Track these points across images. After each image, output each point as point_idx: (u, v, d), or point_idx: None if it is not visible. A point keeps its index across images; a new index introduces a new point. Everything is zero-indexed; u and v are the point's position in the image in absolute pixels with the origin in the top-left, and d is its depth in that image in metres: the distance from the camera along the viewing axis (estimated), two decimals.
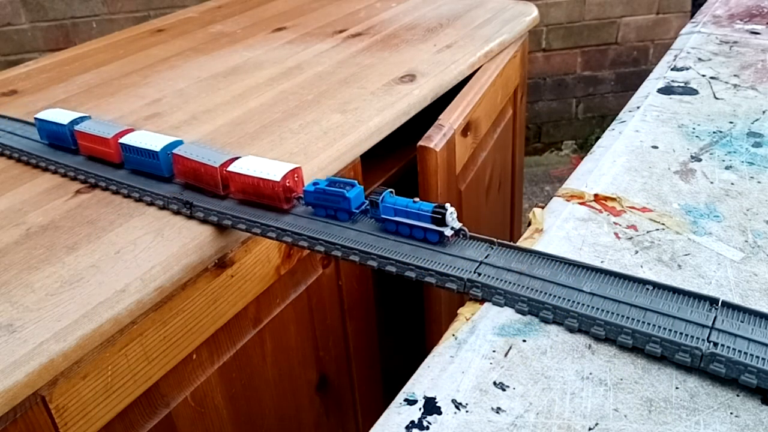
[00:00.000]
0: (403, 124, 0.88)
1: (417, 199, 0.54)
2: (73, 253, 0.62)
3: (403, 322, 1.16)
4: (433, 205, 0.53)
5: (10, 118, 0.89)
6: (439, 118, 0.91)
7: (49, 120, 0.77)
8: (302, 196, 0.60)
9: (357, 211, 0.57)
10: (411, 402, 0.42)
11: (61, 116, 0.76)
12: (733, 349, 0.41)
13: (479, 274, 0.50)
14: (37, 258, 0.61)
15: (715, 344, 0.42)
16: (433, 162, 0.86)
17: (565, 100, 2.48)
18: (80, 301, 0.56)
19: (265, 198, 0.61)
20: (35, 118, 0.78)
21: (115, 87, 0.99)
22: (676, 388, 0.42)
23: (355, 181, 0.57)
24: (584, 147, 2.55)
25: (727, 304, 0.44)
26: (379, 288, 0.96)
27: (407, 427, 0.40)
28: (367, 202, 0.56)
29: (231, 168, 0.62)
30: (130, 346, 0.58)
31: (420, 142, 0.86)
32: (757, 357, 0.41)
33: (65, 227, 0.66)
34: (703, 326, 0.43)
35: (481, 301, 0.49)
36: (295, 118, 0.86)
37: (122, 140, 0.70)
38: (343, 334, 0.89)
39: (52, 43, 2.00)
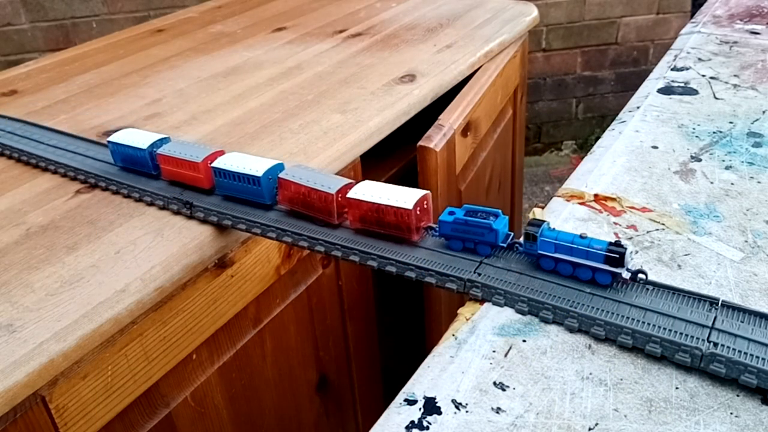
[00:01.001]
0: (403, 124, 0.88)
1: (585, 234, 0.47)
2: (73, 253, 0.62)
3: (403, 322, 1.16)
4: (607, 242, 0.46)
5: (10, 118, 0.89)
6: (439, 118, 0.91)
7: (125, 143, 0.70)
8: (433, 226, 0.53)
9: (503, 244, 0.51)
10: (411, 402, 0.42)
11: (139, 138, 0.69)
12: (733, 349, 0.41)
13: (479, 274, 0.50)
14: (37, 258, 0.61)
15: (715, 344, 0.42)
16: (433, 162, 0.86)
17: (565, 100, 2.48)
18: (80, 301, 0.56)
19: (391, 228, 0.54)
20: (108, 141, 0.71)
21: (115, 87, 0.99)
22: (676, 388, 0.42)
23: (499, 211, 0.51)
24: (584, 147, 2.55)
25: (727, 305, 0.44)
26: (379, 288, 0.96)
27: (407, 427, 0.40)
28: (512, 234, 0.51)
29: (351, 194, 0.55)
30: (130, 346, 0.58)
31: (420, 142, 0.86)
32: (757, 357, 0.41)
33: (65, 227, 0.66)
34: (703, 326, 0.43)
35: (481, 301, 0.49)
36: (295, 118, 0.86)
37: (215, 164, 0.63)
38: (343, 334, 0.89)
39: (52, 43, 2.00)
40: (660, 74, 0.88)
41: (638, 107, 0.79)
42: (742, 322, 0.43)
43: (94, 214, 0.68)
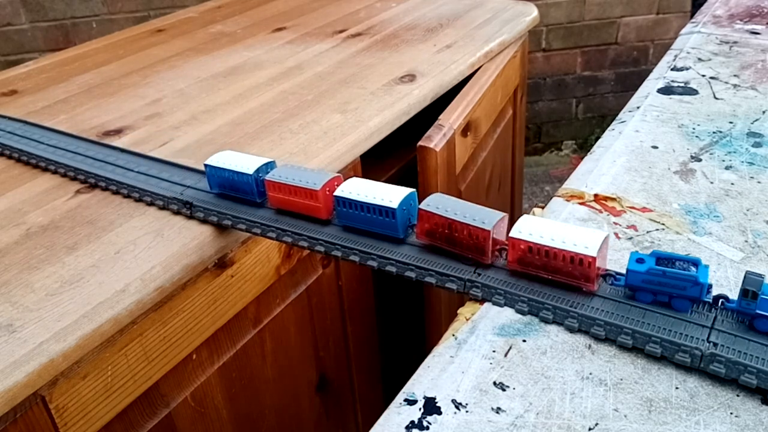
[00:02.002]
0: (403, 124, 0.88)
1: None
2: (73, 253, 0.62)
3: (403, 322, 1.16)
4: None
5: (10, 118, 0.89)
6: (439, 118, 0.91)
7: (227, 167, 0.62)
8: (612, 273, 0.48)
9: (707, 299, 0.45)
10: (411, 402, 0.42)
11: (242, 162, 0.62)
12: (733, 350, 0.41)
13: (479, 274, 0.50)
14: (37, 258, 0.61)
15: (715, 344, 0.42)
16: (433, 162, 0.86)
17: (565, 100, 2.48)
18: (80, 301, 0.56)
19: (564, 275, 0.47)
20: (205, 165, 0.64)
21: (115, 87, 0.99)
22: (676, 388, 0.42)
23: (699, 258, 0.45)
24: (584, 147, 2.55)
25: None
26: (379, 288, 0.96)
27: (407, 427, 0.40)
28: (711, 285, 0.45)
29: (513, 233, 0.48)
30: (130, 346, 0.58)
31: (420, 142, 0.86)
32: (757, 357, 0.41)
33: (65, 227, 0.66)
34: (703, 326, 0.43)
35: (481, 301, 0.49)
36: (295, 118, 0.86)
37: (338, 193, 0.56)
38: (343, 334, 0.89)
39: (52, 43, 2.00)
40: (660, 74, 0.88)
41: (638, 107, 0.79)
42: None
43: (94, 214, 0.68)
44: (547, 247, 0.47)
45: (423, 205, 0.52)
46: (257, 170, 0.61)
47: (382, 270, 0.53)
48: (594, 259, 0.45)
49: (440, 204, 0.52)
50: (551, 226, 0.48)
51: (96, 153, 0.77)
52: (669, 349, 0.43)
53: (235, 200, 0.63)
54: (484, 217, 0.50)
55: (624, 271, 0.46)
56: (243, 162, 0.62)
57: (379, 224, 0.55)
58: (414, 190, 0.56)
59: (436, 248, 0.53)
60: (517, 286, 0.48)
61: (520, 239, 0.48)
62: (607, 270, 0.48)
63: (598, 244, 0.46)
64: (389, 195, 0.54)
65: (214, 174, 0.64)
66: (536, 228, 0.48)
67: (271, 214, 0.61)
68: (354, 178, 0.58)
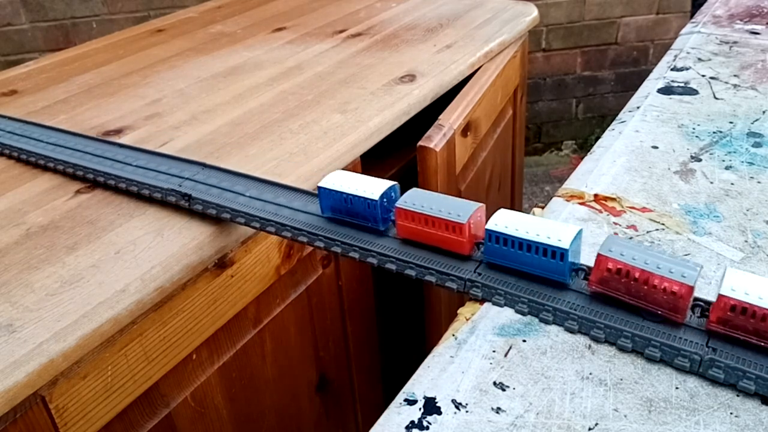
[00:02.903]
0: (403, 124, 0.88)
1: None
2: (73, 253, 0.62)
3: (403, 322, 1.16)
4: None
5: (10, 118, 0.89)
6: (439, 118, 0.91)
7: (347, 191, 0.55)
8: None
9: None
10: (411, 402, 0.42)
11: (361, 184, 0.55)
12: (732, 355, 0.41)
13: (479, 274, 0.50)
14: (37, 258, 0.61)
15: (714, 350, 0.42)
16: (433, 162, 0.86)
17: (565, 100, 2.48)
18: (80, 301, 0.56)
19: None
20: (319, 187, 0.57)
21: (115, 87, 0.99)
22: (676, 388, 0.42)
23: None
24: (584, 147, 2.55)
25: None
26: (379, 288, 0.96)
27: (407, 427, 0.40)
28: None
29: (731, 293, 0.42)
30: (130, 346, 0.58)
31: (420, 142, 0.86)
32: (756, 363, 0.41)
33: (65, 227, 0.66)
34: (702, 331, 0.43)
35: (481, 301, 0.49)
36: (295, 118, 0.86)
37: (492, 227, 0.49)
38: (343, 334, 0.89)
39: (52, 43, 2.00)
40: (660, 74, 0.88)
41: (638, 107, 0.79)
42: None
43: (94, 214, 0.68)
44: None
45: (603, 252, 0.45)
46: (384, 195, 0.54)
47: (381, 267, 0.53)
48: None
49: (623, 249, 0.45)
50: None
51: (95, 149, 0.76)
52: (668, 353, 0.43)
53: (352, 226, 0.56)
54: (680, 269, 0.43)
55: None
56: (363, 185, 0.55)
57: (542, 266, 0.48)
58: (581, 228, 0.48)
59: (609, 298, 0.46)
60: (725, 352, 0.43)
61: (736, 300, 0.42)
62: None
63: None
64: (556, 232, 0.47)
65: (329, 197, 0.57)
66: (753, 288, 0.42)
67: (396, 244, 0.54)
68: (504, 211, 0.50)
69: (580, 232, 0.48)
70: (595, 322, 0.45)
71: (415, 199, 0.52)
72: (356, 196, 0.55)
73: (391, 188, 0.55)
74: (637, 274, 0.44)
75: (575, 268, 0.48)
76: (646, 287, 0.44)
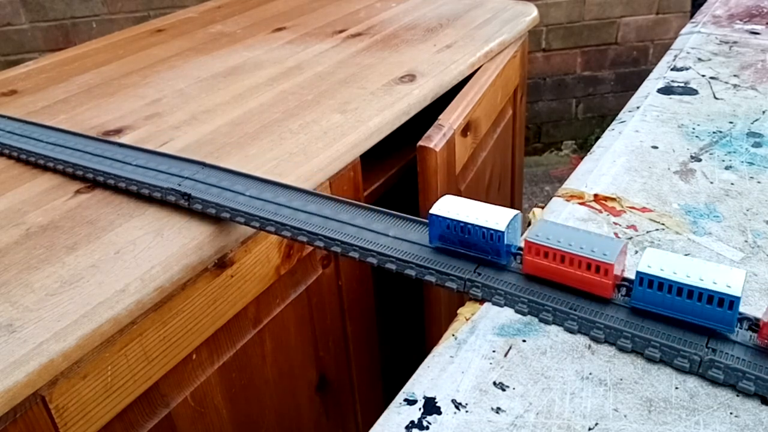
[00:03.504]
0: (403, 124, 0.88)
1: None
2: (73, 253, 0.62)
3: (403, 322, 1.16)
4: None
5: (10, 118, 0.89)
6: (439, 118, 0.91)
7: (464, 220, 0.50)
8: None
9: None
10: (411, 402, 0.42)
11: (479, 213, 0.50)
12: (732, 356, 0.41)
13: (479, 274, 0.50)
14: (37, 258, 0.61)
15: (714, 350, 0.42)
16: (433, 162, 0.86)
17: (565, 100, 2.48)
18: (80, 301, 0.56)
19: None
20: (430, 215, 0.51)
21: (115, 87, 0.99)
22: (676, 388, 0.42)
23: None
24: (584, 147, 2.55)
25: None
26: (379, 288, 0.96)
27: (407, 427, 0.40)
28: None
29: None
30: (130, 346, 0.58)
31: (420, 142, 0.86)
32: (755, 364, 0.41)
33: (65, 227, 0.66)
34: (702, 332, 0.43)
35: (481, 301, 0.49)
36: (295, 118, 0.86)
37: (645, 269, 0.44)
38: (343, 334, 0.89)
39: (52, 43, 2.00)
40: (660, 74, 0.88)
41: (638, 107, 0.79)
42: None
43: (94, 214, 0.68)
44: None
45: None
46: (510, 225, 0.49)
47: (381, 267, 0.53)
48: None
49: None
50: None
51: (95, 149, 0.76)
52: (668, 354, 0.43)
53: (466, 258, 0.51)
54: None
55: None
56: (483, 213, 0.50)
57: (703, 315, 0.43)
58: (744, 271, 0.43)
59: None
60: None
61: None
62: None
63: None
64: (722, 276, 0.42)
65: (441, 225, 0.51)
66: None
67: (521, 281, 0.49)
68: (657, 251, 0.45)
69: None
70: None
71: (549, 233, 0.47)
72: (478, 225, 0.49)
73: (514, 218, 0.50)
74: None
75: (743, 318, 0.43)
76: None
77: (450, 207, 0.51)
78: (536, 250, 0.47)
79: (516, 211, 0.49)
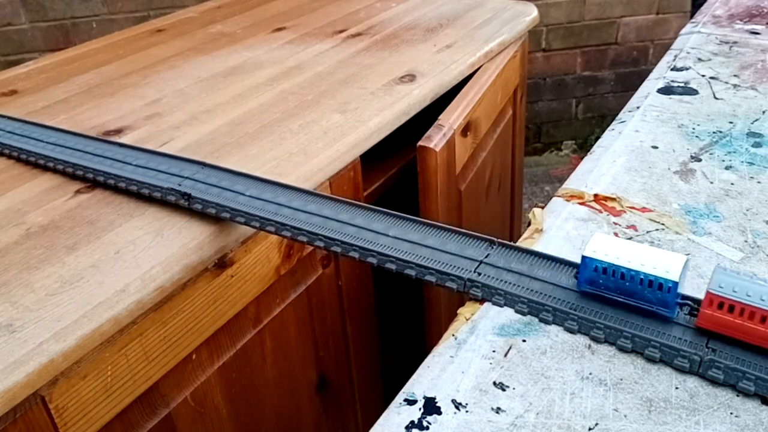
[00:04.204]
0: (403, 124, 0.88)
1: None
2: (73, 253, 0.62)
3: (403, 322, 1.16)
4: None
5: (10, 118, 0.89)
6: (439, 118, 0.91)
7: (628, 266, 0.44)
8: None
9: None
10: (411, 402, 0.42)
11: (646, 258, 0.44)
12: (731, 356, 0.41)
13: (479, 274, 0.50)
14: (37, 258, 0.61)
15: (714, 350, 0.42)
16: (433, 162, 0.86)
17: (565, 100, 2.48)
18: (80, 301, 0.56)
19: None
20: (583, 257, 0.46)
21: (115, 87, 0.99)
22: (676, 388, 0.42)
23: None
24: (584, 147, 2.55)
25: None
26: (379, 288, 0.96)
27: (407, 427, 0.40)
28: None
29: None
30: (130, 346, 0.58)
31: (420, 142, 0.86)
32: (755, 364, 0.41)
33: (65, 227, 0.66)
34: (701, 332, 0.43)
35: (481, 301, 0.49)
36: (295, 118, 0.86)
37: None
38: (343, 334, 0.89)
39: (52, 43, 2.00)
40: (660, 74, 0.88)
41: (638, 107, 0.79)
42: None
43: (94, 214, 0.68)
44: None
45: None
46: (682, 275, 0.43)
47: (381, 267, 0.53)
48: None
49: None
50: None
51: (95, 149, 0.76)
52: (668, 354, 0.43)
53: (623, 307, 0.46)
54: None
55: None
56: (647, 258, 0.44)
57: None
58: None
59: None
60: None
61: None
62: None
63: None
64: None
65: (593, 267, 0.45)
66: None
67: (694, 337, 0.43)
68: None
69: None
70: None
71: (734, 284, 0.41)
72: (645, 273, 0.43)
73: (685, 264, 0.44)
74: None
75: None
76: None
77: (607, 248, 0.45)
78: (718, 304, 0.41)
79: (686, 257, 0.44)
